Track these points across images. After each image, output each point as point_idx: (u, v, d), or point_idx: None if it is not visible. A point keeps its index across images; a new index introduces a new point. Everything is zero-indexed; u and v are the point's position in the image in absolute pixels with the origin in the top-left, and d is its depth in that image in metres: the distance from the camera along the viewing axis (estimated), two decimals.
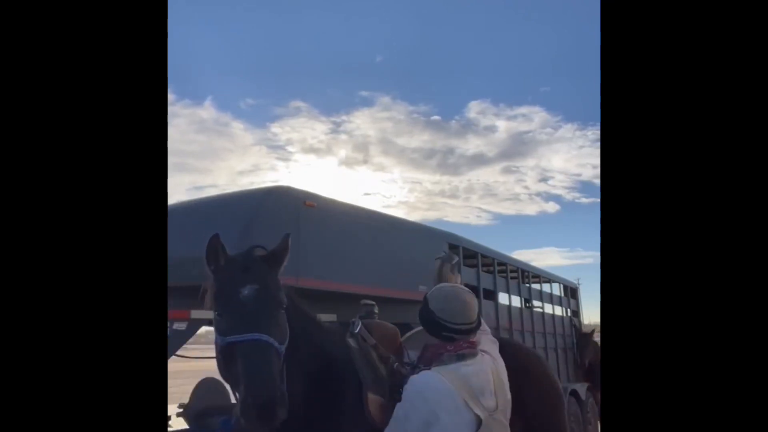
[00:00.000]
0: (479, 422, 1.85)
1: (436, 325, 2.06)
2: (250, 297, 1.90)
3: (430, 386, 1.90)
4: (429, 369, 1.99)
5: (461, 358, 2.01)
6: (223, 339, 1.86)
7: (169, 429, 3.52)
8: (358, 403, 2.19)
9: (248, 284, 1.93)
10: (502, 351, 3.13)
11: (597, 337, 9.12)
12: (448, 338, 2.04)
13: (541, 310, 8.18)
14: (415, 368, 2.15)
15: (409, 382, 1.97)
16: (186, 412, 3.84)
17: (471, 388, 1.91)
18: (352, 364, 2.27)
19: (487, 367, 2.04)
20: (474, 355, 2.04)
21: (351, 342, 2.38)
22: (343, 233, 4.29)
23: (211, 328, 2.14)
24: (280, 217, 3.79)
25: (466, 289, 2.24)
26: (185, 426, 3.64)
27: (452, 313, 2.06)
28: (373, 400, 2.20)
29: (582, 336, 9.26)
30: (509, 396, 2.08)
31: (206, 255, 2.02)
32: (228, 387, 2.01)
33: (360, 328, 2.44)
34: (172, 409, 3.43)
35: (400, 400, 2.10)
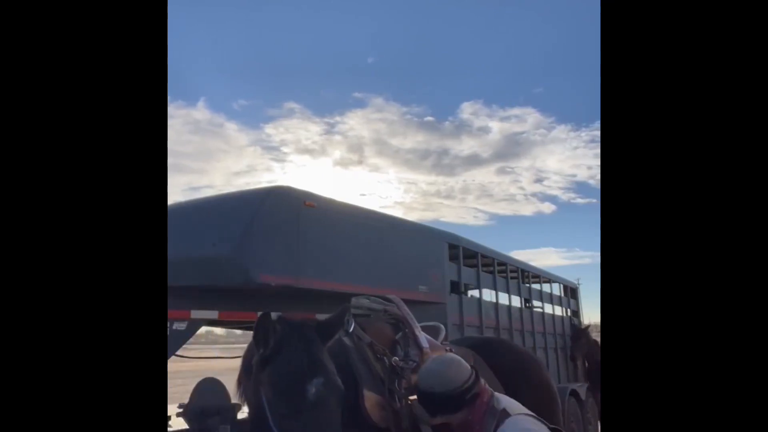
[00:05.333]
0: None
1: (455, 398, 2.04)
2: (317, 397, 1.74)
3: (518, 425, 1.91)
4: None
5: (496, 397, 2.06)
6: None
7: (169, 429, 3.52)
8: (354, 401, 2.18)
9: (314, 378, 1.76)
10: (496, 352, 3.14)
11: (595, 335, 9.05)
12: (472, 398, 2.03)
13: (541, 310, 8.18)
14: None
15: None
16: (186, 412, 3.84)
17: (530, 409, 1.99)
18: (348, 362, 2.27)
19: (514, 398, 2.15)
20: (495, 394, 2.10)
21: (346, 341, 2.38)
22: (343, 233, 4.29)
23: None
24: (281, 217, 3.79)
25: (442, 356, 2.26)
26: (185, 426, 3.63)
27: (449, 379, 2.06)
28: (369, 397, 2.20)
29: (575, 330, 9.15)
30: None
31: (255, 337, 1.85)
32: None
33: (354, 327, 2.45)
34: (172, 409, 3.43)
35: (402, 398, 2.11)
